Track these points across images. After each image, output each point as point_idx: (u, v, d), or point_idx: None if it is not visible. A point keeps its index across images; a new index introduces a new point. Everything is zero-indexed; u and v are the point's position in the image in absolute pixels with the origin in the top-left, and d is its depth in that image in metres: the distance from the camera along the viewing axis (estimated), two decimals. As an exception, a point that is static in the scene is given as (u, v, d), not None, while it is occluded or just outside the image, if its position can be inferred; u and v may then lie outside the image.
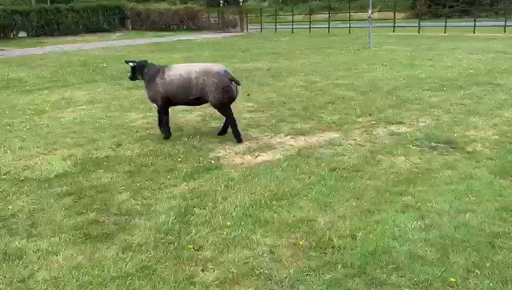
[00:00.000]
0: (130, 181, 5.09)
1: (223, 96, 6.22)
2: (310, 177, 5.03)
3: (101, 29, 35.31)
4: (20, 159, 5.89)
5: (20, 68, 15.42)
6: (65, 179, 5.19)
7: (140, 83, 6.88)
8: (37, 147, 6.33)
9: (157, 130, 6.97)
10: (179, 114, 8.11)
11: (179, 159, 5.74)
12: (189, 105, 6.79)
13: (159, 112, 6.66)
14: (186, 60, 16.25)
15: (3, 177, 5.31)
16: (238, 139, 6.37)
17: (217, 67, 6.32)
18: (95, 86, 11.26)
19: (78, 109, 8.76)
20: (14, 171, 5.46)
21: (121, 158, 5.84)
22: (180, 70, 6.33)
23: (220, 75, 6.17)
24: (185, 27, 36.31)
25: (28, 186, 4.99)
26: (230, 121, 6.44)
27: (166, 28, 36.27)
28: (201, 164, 5.57)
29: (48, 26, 32.92)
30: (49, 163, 5.69)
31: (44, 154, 6.06)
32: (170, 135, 6.65)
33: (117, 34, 34.22)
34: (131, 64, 6.68)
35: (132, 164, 5.63)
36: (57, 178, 5.22)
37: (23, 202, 4.62)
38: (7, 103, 9.61)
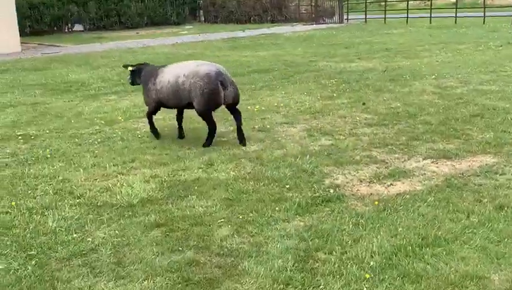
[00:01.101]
0: (229, 212, 5.08)
1: (207, 101, 6.84)
2: (468, 217, 4.73)
3: (169, 22, 36.82)
4: (95, 179, 6.11)
5: (80, 68, 16.32)
6: (151, 206, 5.28)
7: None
8: (113, 165, 6.54)
9: (252, 147, 7.07)
10: (278, 127, 8.09)
11: (287, 186, 5.67)
12: (185, 109, 7.45)
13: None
14: (274, 58, 16.42)
15: (78, 201, 5.51)
16: (206, 145, 7.12)
17: (207, 67, 6.90)
18: (171, 90, 11.56)
19: (156, 119, 8.98)
20: (90, 195, 5.65)
21: (215, 182, 5.87)
22: (169, 75, 7.10)
23: (208, 77, 6.74)
24: (269, 18, 36.81)
25: (108, 214, 5.13)
26: (211, 132, 7.13)
27: (247, 19, 36.99)
28: (317, 194, 5.45)
29: (107, 18, 34.84)
30: (130, 185, 5.84)
31: (123, 174, 6.24)
32: (159, 135, 7.74)
33: (187, 27, 35.46)
34: (130, 68, 7.74)
35: (229, 189, 5.63)
36: (141, 204, 5.33)
37: (104, 233, 4.73)
38: (71, 110, 10.11)
